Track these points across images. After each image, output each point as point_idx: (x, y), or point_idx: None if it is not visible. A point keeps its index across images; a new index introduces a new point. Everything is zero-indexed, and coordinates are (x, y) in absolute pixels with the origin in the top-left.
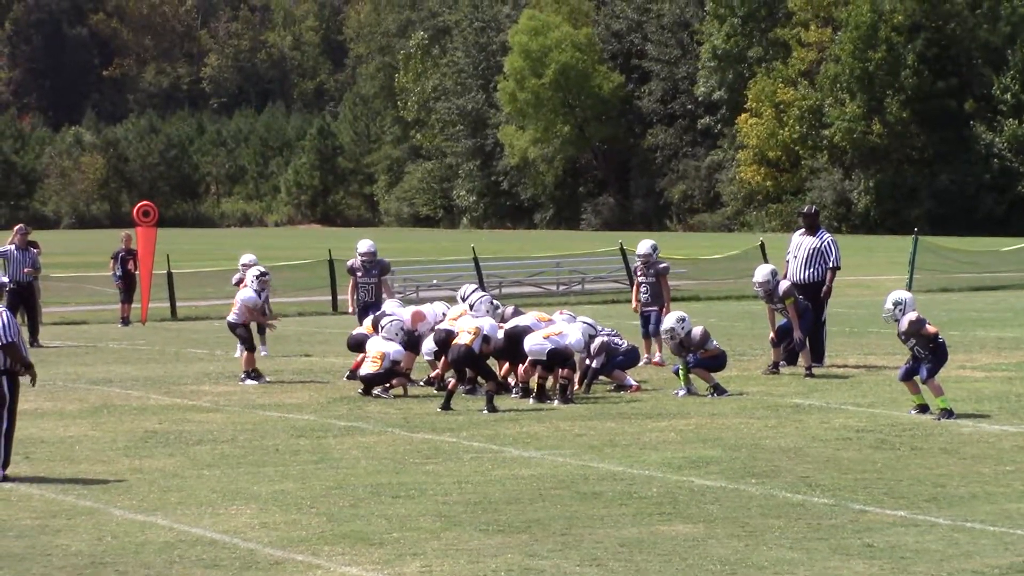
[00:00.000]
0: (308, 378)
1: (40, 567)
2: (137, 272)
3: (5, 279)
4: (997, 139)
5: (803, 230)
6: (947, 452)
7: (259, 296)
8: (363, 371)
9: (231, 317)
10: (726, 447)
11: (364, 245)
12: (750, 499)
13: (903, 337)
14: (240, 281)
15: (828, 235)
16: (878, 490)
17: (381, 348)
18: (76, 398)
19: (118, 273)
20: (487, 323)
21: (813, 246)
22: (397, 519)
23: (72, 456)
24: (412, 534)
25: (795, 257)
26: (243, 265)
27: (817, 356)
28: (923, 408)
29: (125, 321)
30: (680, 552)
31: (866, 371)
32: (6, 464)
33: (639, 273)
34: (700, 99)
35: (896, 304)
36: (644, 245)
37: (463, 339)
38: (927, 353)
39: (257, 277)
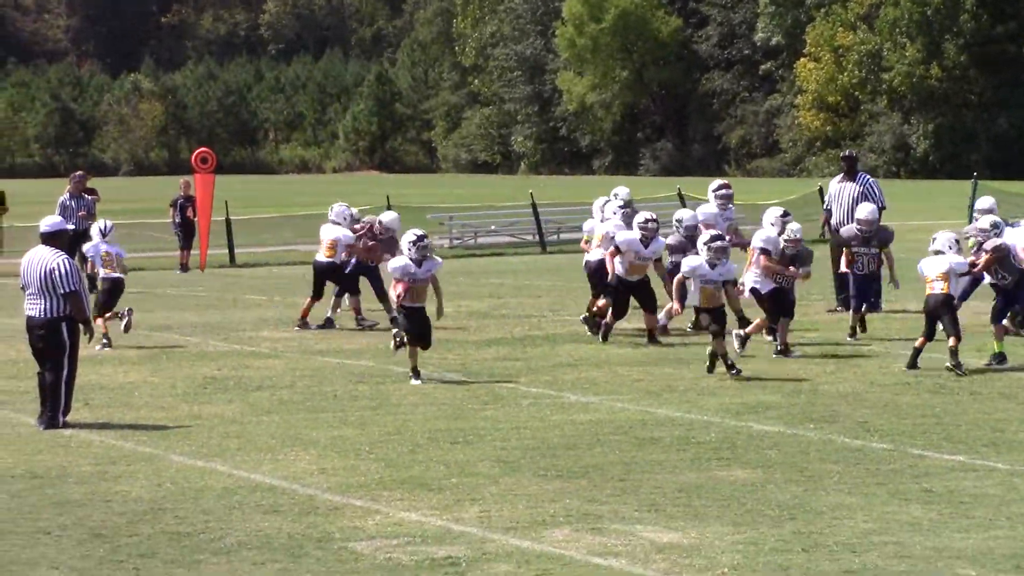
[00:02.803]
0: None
1: (100, 513)
2: (195, 219)
3: (70, 225)
4: None
5: (841, 176)
6: (1006, 397)
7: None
8: (317, 258)
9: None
10: (784, 392)
11: (388, 217)
12: (808, 444)
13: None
14: (360, 234)
15: (869, 177)
16: (936, 435)
17: (332, 235)
18: (135, 344)
19: (177, 220)
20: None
21: (855, 192)
22: (455, 465)
23: (131, 402)
24: (470, 480)
25: (839, 204)
26: (379, 221)
27: (872, 304)
28: (1001, 358)
29: (184, 267)
30: (738, 497)
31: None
32: (67, 411)
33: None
34: (759, 44)
35: (994, 226)
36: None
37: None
38: (1007, 282)
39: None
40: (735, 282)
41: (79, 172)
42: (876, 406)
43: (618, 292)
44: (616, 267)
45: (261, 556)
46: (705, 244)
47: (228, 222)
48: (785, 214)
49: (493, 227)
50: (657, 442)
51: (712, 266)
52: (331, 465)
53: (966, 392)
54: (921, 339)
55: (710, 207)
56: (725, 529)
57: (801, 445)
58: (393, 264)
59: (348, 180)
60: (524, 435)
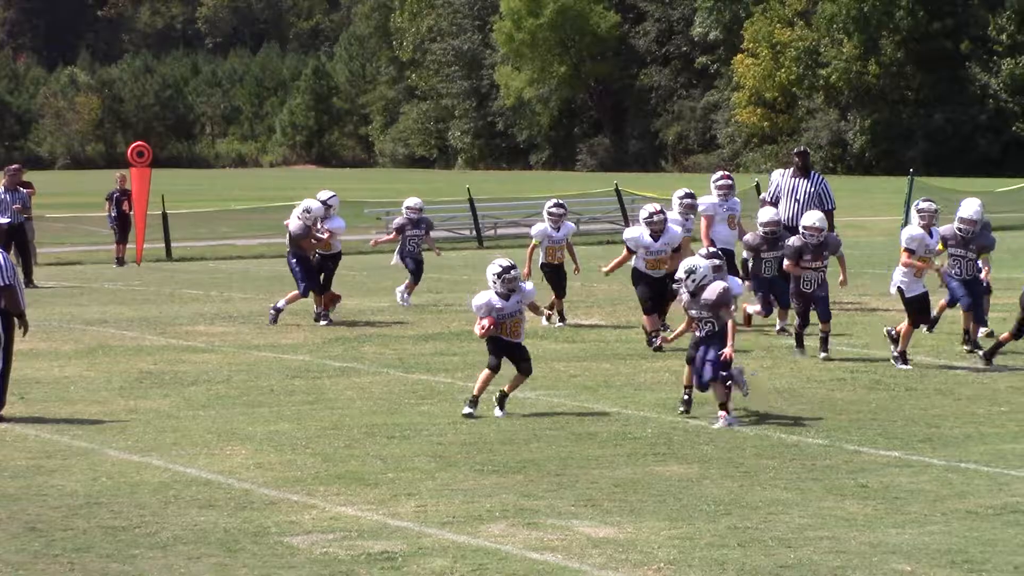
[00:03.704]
0: (304, 319)
1: (35, 507)
2: (132, 213)
3: (5, 219)
4: (992, 80)
5: (792, 170)
6: (942, 393)
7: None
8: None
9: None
10: None
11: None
12: (744, 440)
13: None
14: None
15: (822, 176)
16: (872, 431)
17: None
18: (71, 339)
19: (113, 214)
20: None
21: (810, 189)
22: (392, 459)
23: (67, 396)
24: (407, 474)
25: (794, 200)
26: (407, 207)
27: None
28: None
29: (120, 261)
30: (674, 492)
31: (860, 312)
32: (1, 405)
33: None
34: (696, 39)
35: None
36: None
37: None
38: None
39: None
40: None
41: (14, 165)
42: (812, 402)
43: (645, 290)
44: (638, 263)
45: (196, 550)
46: (644, 220)
47: (164, 216)
48: (922, 202)
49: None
50: (594, 437)
51: (655, 238)
52: (267, 460)
53: (902, 388)
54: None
55: (711, 197)
56: (661, 524)
57: (737, 441)
58: (477, 301)
59: (285, 174)
60: (461, 430)
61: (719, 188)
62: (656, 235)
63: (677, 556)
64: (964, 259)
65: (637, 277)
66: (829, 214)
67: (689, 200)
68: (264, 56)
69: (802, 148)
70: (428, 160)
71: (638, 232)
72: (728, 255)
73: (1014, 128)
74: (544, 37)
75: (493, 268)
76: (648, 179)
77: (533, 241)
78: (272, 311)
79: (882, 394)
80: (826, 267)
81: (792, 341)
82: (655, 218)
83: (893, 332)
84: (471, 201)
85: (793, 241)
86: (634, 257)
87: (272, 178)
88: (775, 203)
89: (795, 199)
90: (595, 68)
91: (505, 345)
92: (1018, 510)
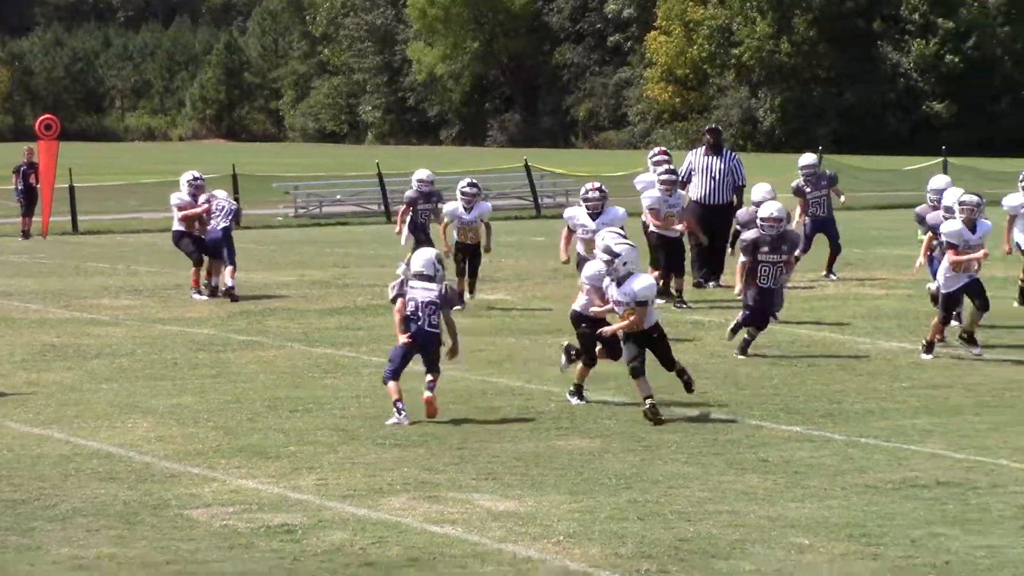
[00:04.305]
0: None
1: None
2: (38, 186)
3: None
4: (903, 59)
5: (705, 149)
6: (843, 369)
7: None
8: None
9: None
10: (624, 363)
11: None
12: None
13: None
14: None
15: (734, 153)
16: (774, 406)
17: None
18: None
19: (19, 187)
20: None
21: (723, 166)
22: (294, 433)
23: None
24: (309, 448)
25: (709, 178)
26: (418, 180)
27: (717, 276)
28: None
29: (25, 235)
30: (576, 466)
31: None
32: None
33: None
34: (610, 17)
35: None
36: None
37: None
38: None
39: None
40: None
41: None
42: (715, 377)
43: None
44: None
45: (96, 523)
46: (581, 198)
47: (72, 189)
48: (964, 195)
49: (338, 196)
50: (496, 411)
51: (592, 217)
52: (169, 433)
53: (804, 363)
54: None
55: (649, 175)
56: (562, 497)
57: (639, 415)
58: (589, 271)
59: (194, 148)
60: (364, 404)
61: (658, 167)
62: (594, 214)
63: (577, 529)
64: (774, 263)
65: (580, 262)
66: (740, 190)
67: (660, 156)
68: (176, 30)
69: (713, 126)
70: (338, 135)
71: (575, 211)
72: (675, 244)
73: (924, 107)
74: (457, 13)
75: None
76: (558, 155)
77: (444, 220)
78: (224, 291)
79: (784, 369)
80: (785, 261)
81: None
82: (591, 195)
83: (962, 335)
84: (380, 176)
85: (749, 234)
86: (575, 239)
87: (181, 152)
88: (688, 182)
89: (711, 176)
90: (508, 44)
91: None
92: (916, 484)
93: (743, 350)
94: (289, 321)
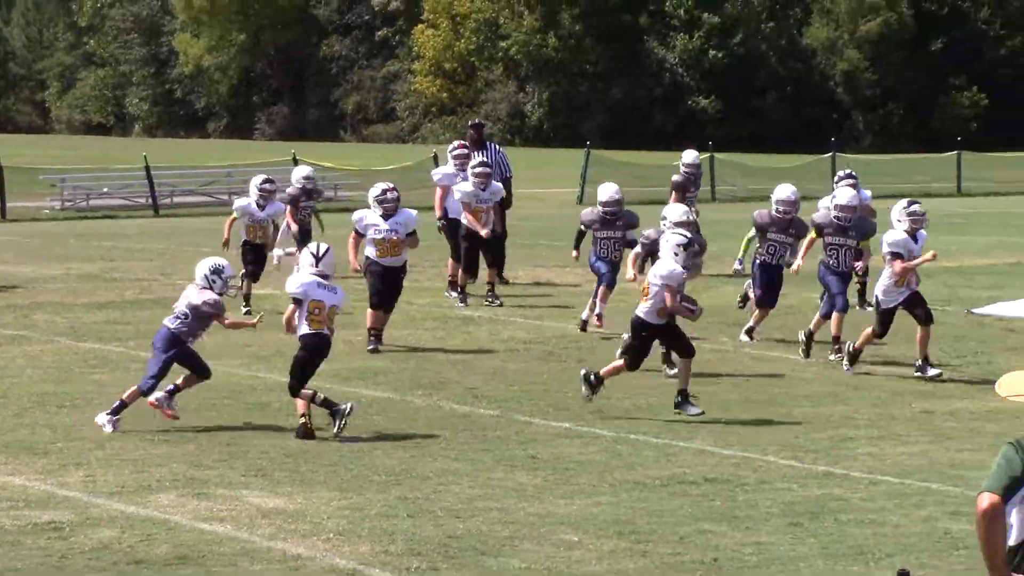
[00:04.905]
0: None
1: None
2: None
3: None
4: (669, 54)
5: (468, 143)
6: None
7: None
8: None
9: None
10: (394, 358)
11: (306, 170)
12: (416, 410)
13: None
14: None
15: (497, 146)
16: (544, 402)
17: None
18: None
19: None
20: None
21: (489, 161)
22: (62, 429)
23: None
24: (76, 444)
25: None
26: (304, 178)
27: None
28: None
29: None
30: (345, 463)
31: (535, 285)
32: None
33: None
34: (377, 9)
35: None
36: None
37: None
38: None
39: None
40: None
41: None
42: (485, 372)
43: (376, 282)
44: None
45: None
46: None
47: None
48: (911, 203)
49: (105, 189)
50: (266, 408)
51: (385, 217)
52: None
53: (574, 359)
54: None
55: (448, 168)
56: (331, 494)
57: (409, 411)
58: (662, 270)
59: None
60: None
61: (456, 159)
62: (387, 215)
63: (347, 527)
64: (842, 248)
65: (369, 265)
66: (507, 182)
67: (460, 150)
68: None
69: (475, 120)
70: (105, 127)
71: (365, 212)
72: (485, 239)
73: (690, 102)
74: (223, 5)
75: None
76: (327, 148)
77: (233, 215)
78: None
79: (554, 365)
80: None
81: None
82: (388, 196)
83: (851, 347)
84: (147, 169)
85: (650, 233)
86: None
87: None
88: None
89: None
90: (275, 37)
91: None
92: (684, 481)
93: (750, 332)
94: (56, 315)
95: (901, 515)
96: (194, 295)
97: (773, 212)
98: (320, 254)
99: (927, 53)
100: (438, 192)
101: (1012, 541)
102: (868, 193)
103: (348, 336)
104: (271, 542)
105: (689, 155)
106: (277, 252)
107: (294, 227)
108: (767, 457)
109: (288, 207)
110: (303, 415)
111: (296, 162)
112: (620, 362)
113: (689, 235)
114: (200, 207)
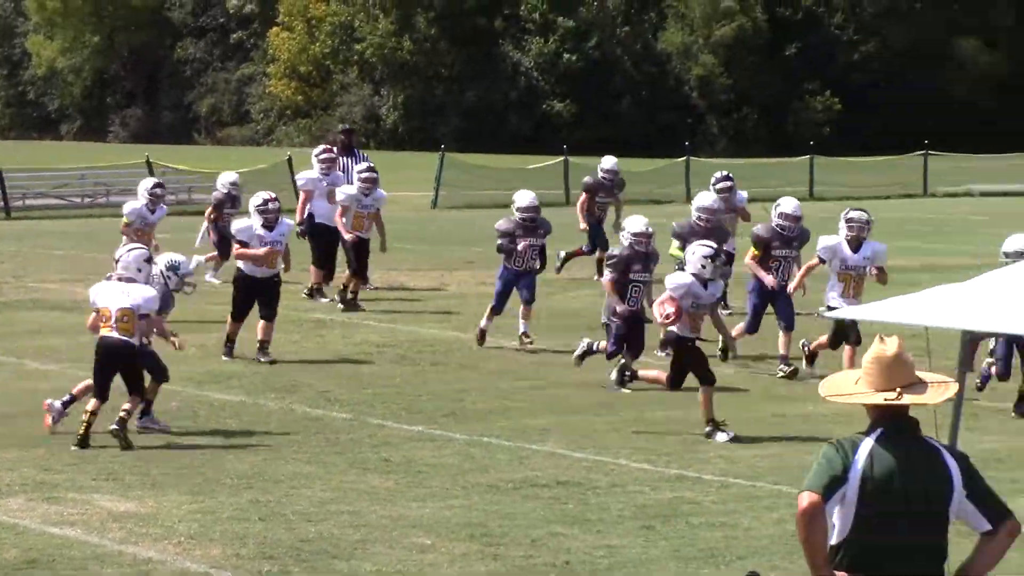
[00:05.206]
0: None
1: None
2: None
3: None
4: (524, 58)
5: (338, 149)
6: (466, 367)
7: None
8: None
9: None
10: (247, 362)
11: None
12: (269, 414)
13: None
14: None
15: (362, 153)
16: (397, 405)
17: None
18: None
19: None
20: None
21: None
22: None
23: None
24: None
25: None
26: (231, 183)
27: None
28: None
29: None
30: (197, 466)
31: (388, 289)
32: None
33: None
34: (232, 12)
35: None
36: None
37: None
38: None
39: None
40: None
41: None
42: (339, 376)
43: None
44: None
45: None
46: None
47: None
48: (851, 211)
49: None
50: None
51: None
52: None
53: (428, 363)
54: None
55: (312, 172)
56: (183, 498)
57: (262, 415)
58: (675, 281)
59: None
60: None
61: (322, 163)
62: (269, 225)
63: (198, 530)
64: (786, 260)
65: (239, 277)
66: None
67: (326, 155)
68: None
69: (347, 126)
70: None
71: (248, 223)
72: (331, 231)
73: (545, 106)
74: (77, 7)
75: (702, 252)
76: (181, 151)
77: (125, 220)
78: None
79: (407, 368)
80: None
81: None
82: (271, 206)
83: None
84: None
85: (618, 251)
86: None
87: None
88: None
89: (349, 178)
90: (129, 38)
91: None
92: (537, 484)
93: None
94: None
95: (752, 518)
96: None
97: (693, 221)
98: (119, 257)
99: (781, 58)
100: (302, 196)
101: (834, 540)
102: (744, 195)
103: (201, 340)
104: (122, 546)
105: (608, 161)
106: (197, 259)
107: (212, 234)
108: (619, 460)
109: (210, 211)
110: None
111: (150, 165)
112: (662, 374)
113: (715, 246)
114: (53, 209)
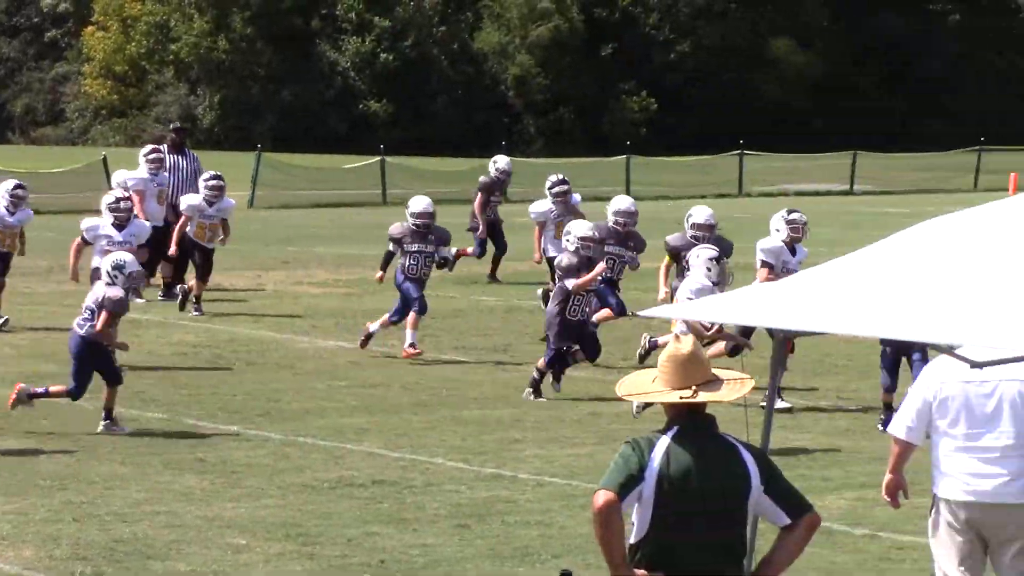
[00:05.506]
0: None
1: None
2: None
3: None
4: (340, 57)
5: (168, 148)
6: (282, 367)
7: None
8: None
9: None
10: (62, 362)
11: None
12: (84, 414)
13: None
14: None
15: (193, 154)
16: (212, 405)
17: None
18: None
19: None
20: None
21: (188, 166)
22: None
23: None
24: None
25: (175, 178)
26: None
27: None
28: None
29: None
30: (9, 467)
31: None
32: None
33: None
34: (46, 11)
35: None
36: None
37: None
38: None
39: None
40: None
41: None
42: (153, 376)
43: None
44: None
45: None
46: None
47: None
48: (791, 212)
49: None
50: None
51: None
52: None
53: (243, 363)
54: None
55: (142, 172)
56: None
57: (75, 415)
58: (693, 286)
59: None
60: None
61: (150, 163)
62: (120, 224)
63: (11, 532)
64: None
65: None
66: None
67: (155, 154)
68: None
69: (179, 125)
70: None
71: (96, 221)
72: (157, 231)
73: (361, 105)
74: None
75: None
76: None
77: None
78: None
79: (222, 369)
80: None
81: None
82: (122, 205)
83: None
84: None
85: (566, 258)
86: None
87: None
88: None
89: (179, 177)
90: None
91: None
92: (353, 483)
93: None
94: None
95: (567, 516)
96: (100, 290)
97: (611, 224)
98: None
99: (598, 58)
100: (135, 198)
101: (633, 539)
102: (577, 197)
103: (16, 340)
104: None
105: (502, 160)
106: None
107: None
108: (435, 459)
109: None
110: None
111: None
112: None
113: (718, 249)
114: None
